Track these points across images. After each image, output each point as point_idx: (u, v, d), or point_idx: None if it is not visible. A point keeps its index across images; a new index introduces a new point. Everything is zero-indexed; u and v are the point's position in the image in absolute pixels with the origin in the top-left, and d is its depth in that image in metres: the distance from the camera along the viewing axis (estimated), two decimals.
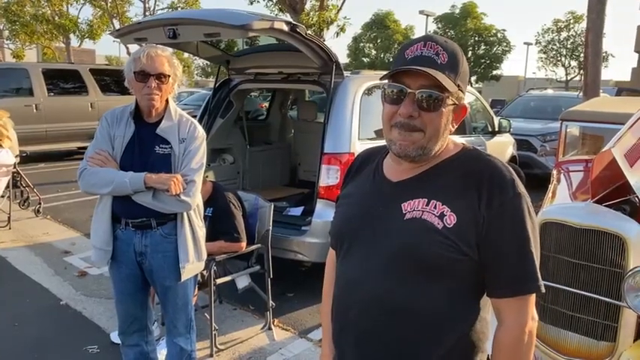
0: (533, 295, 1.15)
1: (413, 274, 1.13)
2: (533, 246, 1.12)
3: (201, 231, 2.38)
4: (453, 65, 1.14)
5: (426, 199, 1.15)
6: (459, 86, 1.15)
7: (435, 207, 1.13)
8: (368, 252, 1.19)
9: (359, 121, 3.89)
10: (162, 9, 23.32)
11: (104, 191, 2.20)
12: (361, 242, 1.21)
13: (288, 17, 14.05)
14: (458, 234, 1.10)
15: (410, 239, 1.13)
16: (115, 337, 3.09)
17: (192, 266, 2.31)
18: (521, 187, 1.14)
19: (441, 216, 1.12)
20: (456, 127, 1.20)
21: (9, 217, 5.65)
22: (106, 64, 18.53)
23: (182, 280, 2.29)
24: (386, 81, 1.18)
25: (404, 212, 1.16)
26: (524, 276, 1.12)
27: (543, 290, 1.14)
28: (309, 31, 3.64)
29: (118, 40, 3.81)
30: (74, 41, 24.69)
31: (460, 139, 5.33)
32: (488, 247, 1.11)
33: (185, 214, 2.26)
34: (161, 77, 2.16)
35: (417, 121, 1.13)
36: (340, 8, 15.70)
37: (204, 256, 2.40)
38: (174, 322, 2.41)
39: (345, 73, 4.16)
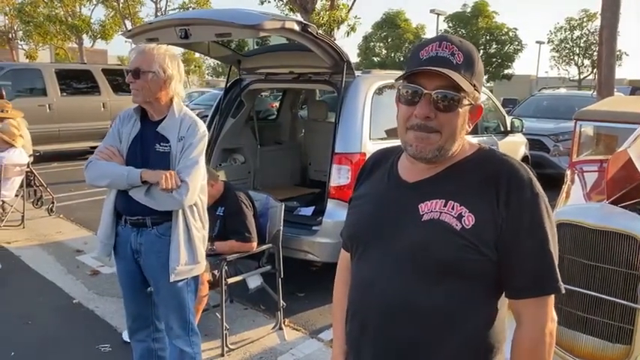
0: (552, 296, 1.13)
1: (431, 275, 1.12)
2: (552, 246, 1.11)
3: (200, 233, 2.32)
4: (468, 65, 1.13)
5: (444, 200, 1.14)
6: (474, 86, 1.14)
7: (452, 208, 1.12)
8: (385, 253, 1.18)
9: (370, 120, 3.87)
10: (173, 9, 23.48)
11: (103, 183, 2.23)
12: (377, 243, 1.20)
13: (298, 17, 14.06)
14: (476, 235, 1.09)
15: (428, 241, 1.12)
16: (126, 335, 3.10)
17: (183, 268, 2.26)
18: (539, 187, 1.13)
19: (459, 217, 1.11)
20: (472, 127, 1.19)
21: (23, 216, 5.70)
22: (118, 64, 18.65)
23: (170, 280, 2.25)
24: (401, 82, 1.17)
25: (421, 213, 1.15)
26: (544, 276, 1.11)
27: (563, 291, 1.12)
28: (319, 31, 3.64)
29: (130, 40, 3.82)
30: (87, 41, 24.98)
31: (472, 139, 5.30)
32: (507, 248, 1.10)
33: (181, 214, 2.23)
34: (137, 72, 2.16)
35: (433, 123, 1.12)
36: (351, 7, 15.69)
37: (201, 258, 2.34)
38: (170, 323, 2.39)
39: (356, 73, 4.14)
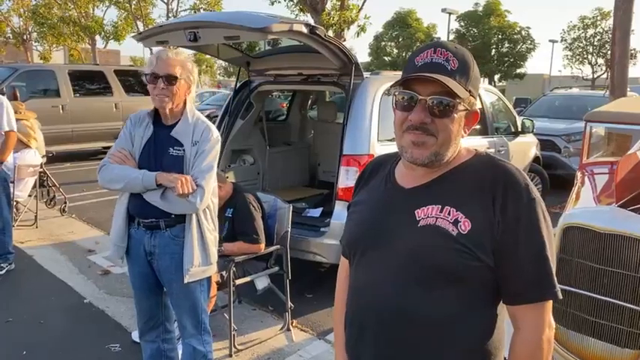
0: (550, 302, 1.13)
1: (428, 281, 1.12)
2: (549, 251, 1.11)
3: (212, 235, 2.37)
4: (463, 71, 1.13)
5: (440, 206, 1.14)
6: (470, 92, 1.14)
7: (449, 213, 1.12)
8: (382, 260, 1.19)
9: (378, 122, 3.87)
10: (184, 10, 23.62)
11: (118, 186, 2.25)
12: (375, 250, 1.21)
13: (309, 17, 14.07)
14: (472, 240, 1.09)
15: (424, 246, 1.13)
16: (136, 335, 3.14)
17: (197, 270, 2.30)
18: (536, 192, 1.13)
19: (455, 222, 1.11)
20: (468, 132, 1.19)
21: (36, 216, 5.79)
22: (130, 65, 18.84)
23: (185, 282, 2.29)
24: (397, 88, 1.17)
25: (418, 219, 1.15)
26: (541, 282, 1.11)
27: (560, 297, 1.12)
28: (329, 32, 3.65)
29: (141, 42, 3.86)
30: (100, 43, 25.19)
31: (482, 140, 5.29)
32: (504, 254, 1.10)
33: (194, 217, 2.27)
34: (170, 79, 2.18)
35: (428, 127, 1.13)
36: (361, 7, 15.64)
37: (213, 260, 2.38)
38: (183, 323, 2.44)
39: (365, 74, 4.14)
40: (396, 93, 1.17)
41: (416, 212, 1.16)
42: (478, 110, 1.20)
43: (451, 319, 1.12)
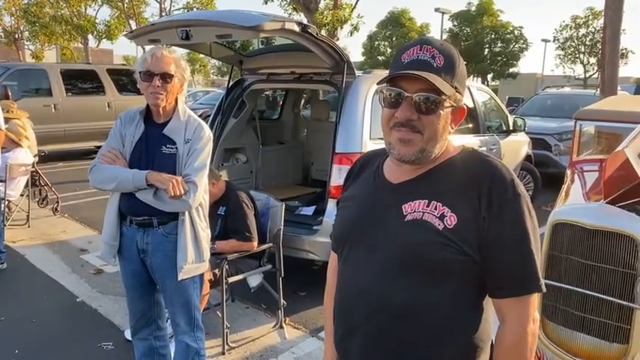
0: (535, 295, 1.14)
1: (415, 275, 1.14)
2: (533, 245, 1.12)
3: (204, 232, 2.38)
4: (449, 68, 1.15)
5: (427, 200, 1.16)
6: (456, 88, 1.16)
7: (435, 208, 1.14)
8: (369, 254, 1.20)
9: (370, 120, 3.88)
10: (177, 9, 23.53)
11: (110, 187, 2.25)
12: (362, 245, 1.22)
13: (302, 17, 14.06)
14: (458, 235, 1.11)
15: (411, 241, 1.14)
16: (128, 334, 3.13)
17: (190, 267, 2.31)
18: (521, 188, 1.15)
19: (442, 217, 1.12)
20: (455, 128, 1.21)
21: (28, 216, 5.76)
22: (123, 64, 18.73)
23: (178, 279, 2.29)
24: (384, 85, 1.19)
25: (405, 214, 1.17)
26: (525, 276, 1.12)
27: (544, 290, 1.14)
28: (322, 31, 3.66)
29: (133, 41, 3.86)
30: (92, 42, 25.06)
31: (474, 138, 5.32)
32: (489, 248, 1.11)
33: (187, 214, 2.27)
34: (165, 77, 2.19)
35: (415, 124, 1.14)
36: (354, 7, 15.64)
37: (206, 257, 2.39)
38: (176, 320, 2.44)
39: (357, 73, 4.16)
40: (383, 90, 1.18)
41: (403, 207, 1.17)
42: (465, 106, 1.21)
43: (437, 313, 1.14)
